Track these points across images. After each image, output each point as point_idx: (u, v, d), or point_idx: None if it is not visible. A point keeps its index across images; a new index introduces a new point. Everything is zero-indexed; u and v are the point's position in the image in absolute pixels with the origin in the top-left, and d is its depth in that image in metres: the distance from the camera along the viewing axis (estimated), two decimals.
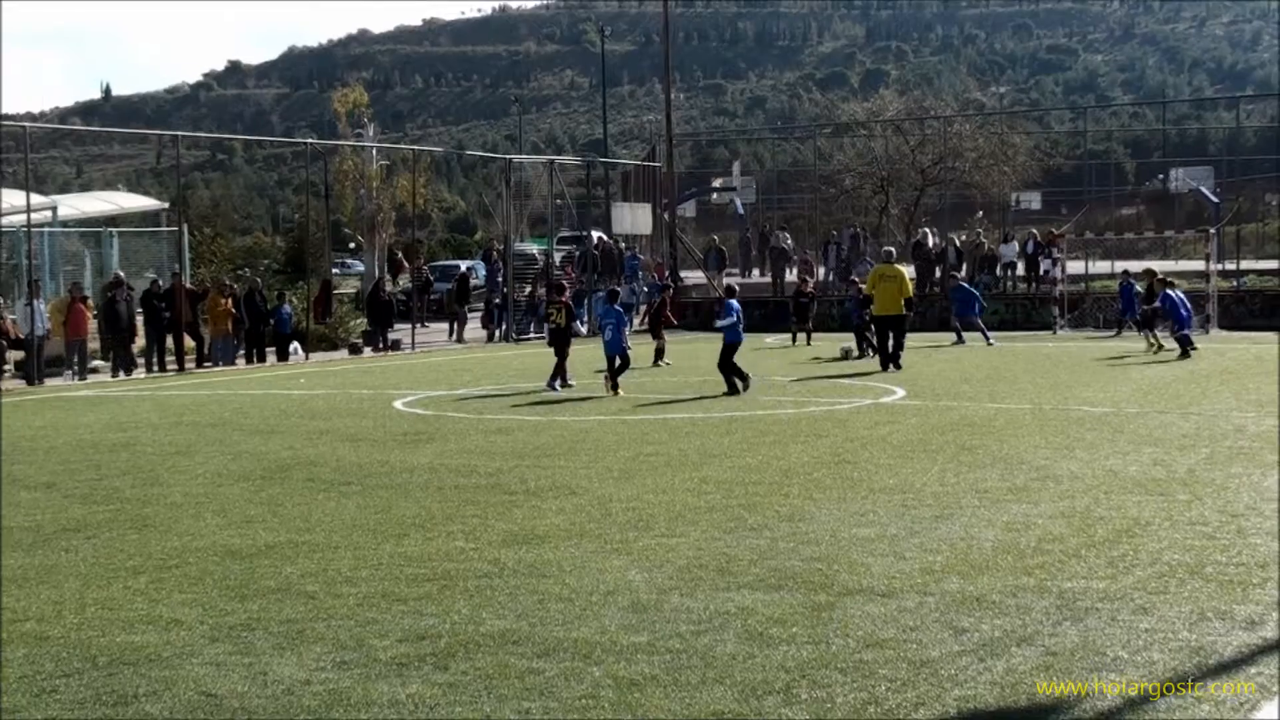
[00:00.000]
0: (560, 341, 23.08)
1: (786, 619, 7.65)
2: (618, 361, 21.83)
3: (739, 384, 20.99)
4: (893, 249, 31.07)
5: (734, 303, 21.95)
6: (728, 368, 21.20)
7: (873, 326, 26.98)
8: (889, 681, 6.52)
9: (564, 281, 29.92)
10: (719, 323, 21.97)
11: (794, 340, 33.84)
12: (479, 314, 43.06)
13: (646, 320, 33.14)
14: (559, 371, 22.70)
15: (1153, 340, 28.20)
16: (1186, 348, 26.97)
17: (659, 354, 27.69)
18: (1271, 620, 7.50)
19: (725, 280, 34.00)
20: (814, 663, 6.83)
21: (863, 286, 29.56)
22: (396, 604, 8.23)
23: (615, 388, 21.39)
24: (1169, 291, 27.80)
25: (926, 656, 6.91)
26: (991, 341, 31.94)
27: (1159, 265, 47.20)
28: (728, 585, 8.50)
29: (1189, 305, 28.50)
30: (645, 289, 41.24)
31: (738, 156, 70.33)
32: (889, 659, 6.87)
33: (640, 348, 26.08)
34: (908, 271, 30.81)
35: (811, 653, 7.00)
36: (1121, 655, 6.88)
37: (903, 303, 26.00)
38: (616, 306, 22.78)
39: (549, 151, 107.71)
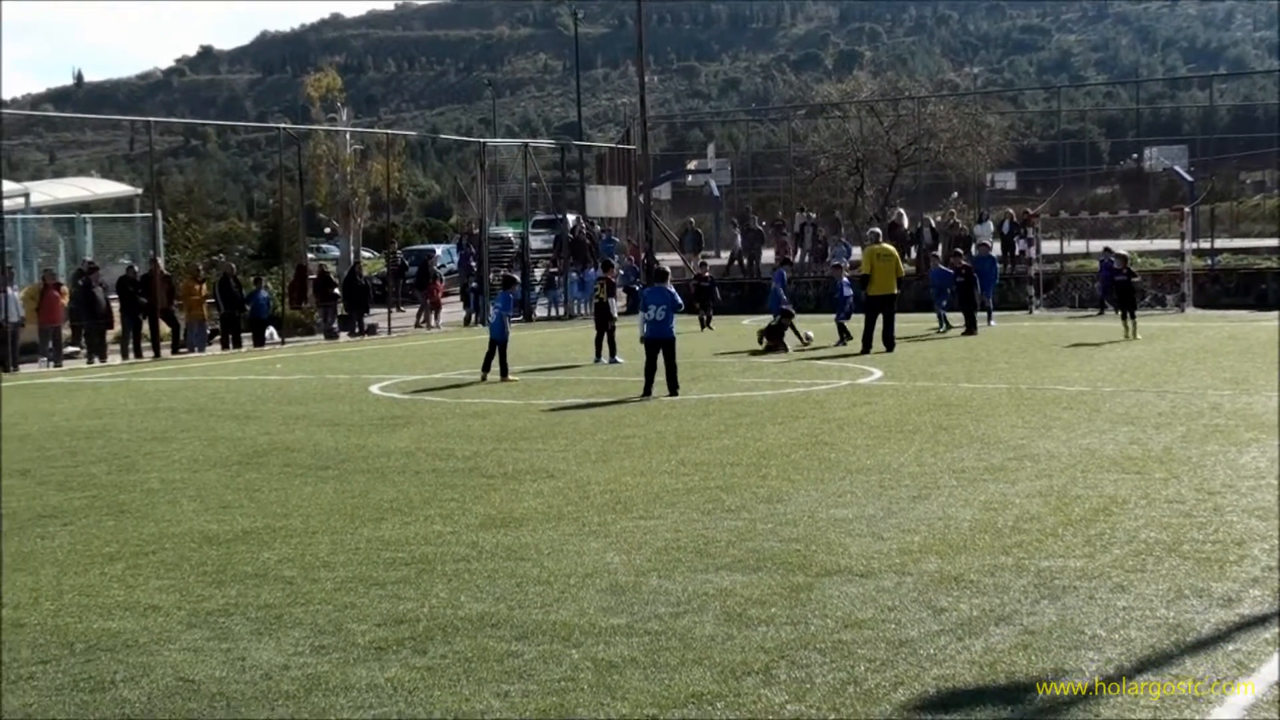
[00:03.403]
0: (601, 316, 24.06)
1: (765, 600, 7.65)
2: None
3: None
4: (879, 230, 30.92)
5: (666, 287, 19.07)
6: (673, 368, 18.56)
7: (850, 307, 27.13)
8: (868, 661, 6.53)
9: (609, 259, 31.47)
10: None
11: (702, 326, 32.58)
12: (454, 298, 42.99)
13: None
14: (608, 345, 23.82)
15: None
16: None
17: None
18: (1248, 597, 7.54)
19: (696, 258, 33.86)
20: (793, 643, 6.83)
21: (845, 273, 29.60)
22: (374, 588, 8.21)
23: (504, 374, 21.20)
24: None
25: (905, 636, 6.92)
26: (989, 324, 31.30)
27: (1134, 244, 47.54)
28: (706, 567, 8.51)
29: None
30: (622, 272, 41.20)
31: (712, 139, 70.29)
32: (867, 639, 6.88)
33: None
34: None
35: (790, 633, 7.00)
36: (1099, 633, 6.90)
37: (895, 282, 25.99)
38: (508, 293, 22.72)
39: (523, 135, 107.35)
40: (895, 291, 25.97)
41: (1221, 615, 7.19)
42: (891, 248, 27.28)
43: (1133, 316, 26.60)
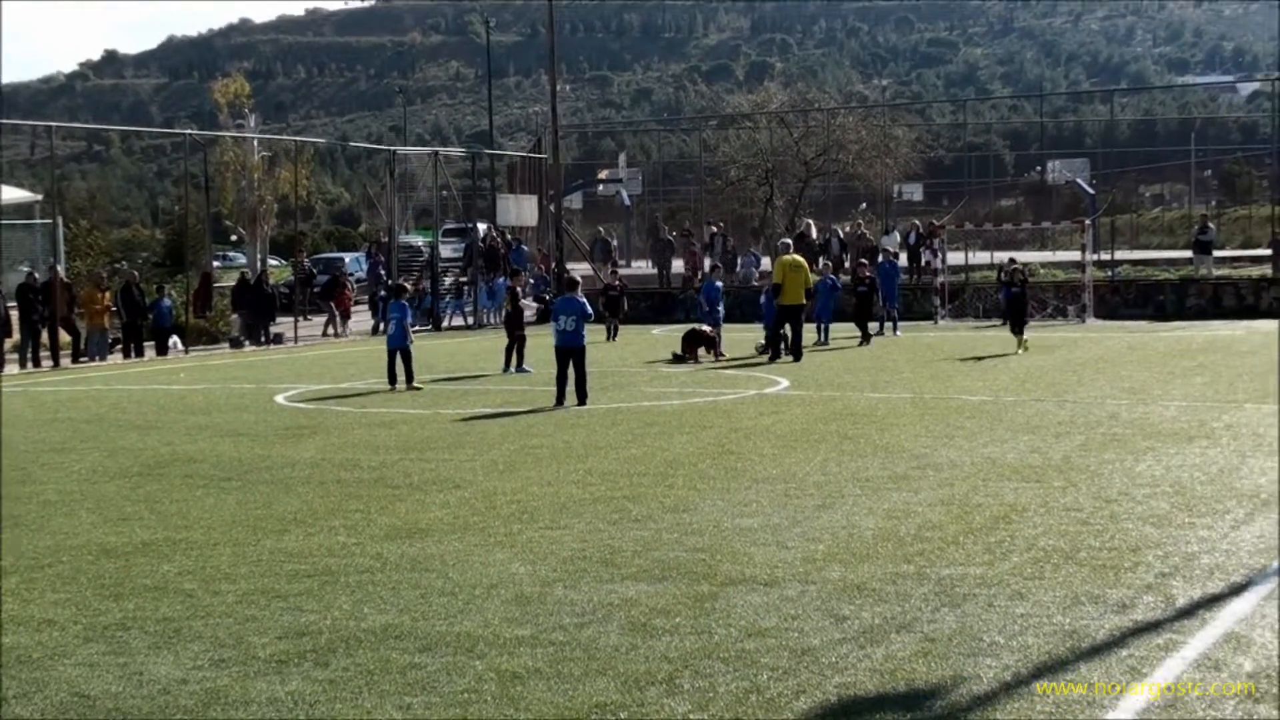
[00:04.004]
0: (510, 325, 24.12)
1: (670, 610, 7.68)
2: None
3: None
4: (790, 240, 31.06)
5: (576, 297, 19.07)
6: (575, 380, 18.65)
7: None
8: (770, 670, 6.58)
9: (518, 267, 32.04)
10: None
11: (609, 336, 31.95)
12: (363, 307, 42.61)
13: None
14: (516, 355, 23.77)
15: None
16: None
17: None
18: (1142, 603, 7.69)
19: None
20: (697, 653, 6.86)
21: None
22: (276, 600, 8.13)
23: (410, 381, 21.02)
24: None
25: (808, 645, 6.98)
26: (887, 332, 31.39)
27: (1036, 256, 48.30)
28: (611, 577, 8.52)
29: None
30: (531, 281, 41.13)
31: (624, 148, 70.60)
32: (771, 648, 6.93)
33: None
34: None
35: (694, 643, 7.04)
36: (998, 640, 7.00)
37: (804, 293, 26.18)
38: (403, 301, 22.38)
39: (434, 143, 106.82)
40: (804, 302, 26.23)
41: (1116, 621, 7.33)
42: (802, 259, 27.53)
43: (1020, 330, 26.20)
